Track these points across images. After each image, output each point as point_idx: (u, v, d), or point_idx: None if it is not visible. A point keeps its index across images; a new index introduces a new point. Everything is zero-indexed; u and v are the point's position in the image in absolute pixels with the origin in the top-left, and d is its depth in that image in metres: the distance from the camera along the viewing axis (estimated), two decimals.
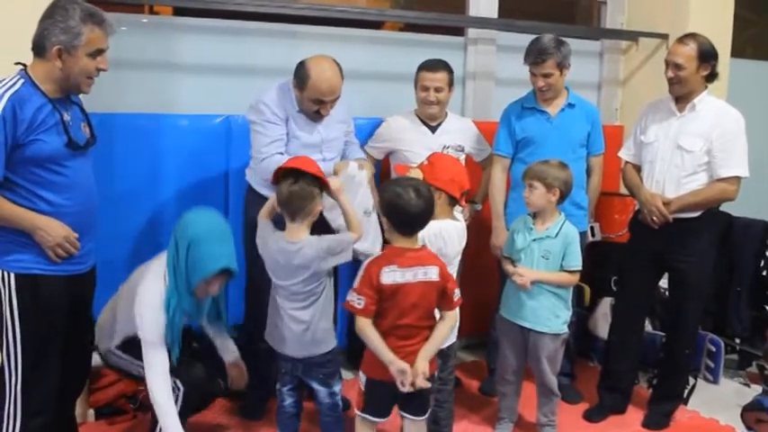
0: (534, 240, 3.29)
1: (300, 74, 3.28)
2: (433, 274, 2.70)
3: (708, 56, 3.44)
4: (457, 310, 2.81)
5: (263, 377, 3.33)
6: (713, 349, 4.20)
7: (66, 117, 2.57)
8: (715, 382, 4.21)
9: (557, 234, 3.27)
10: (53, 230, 2.54)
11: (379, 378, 2.71)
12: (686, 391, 3.91)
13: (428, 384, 2.68)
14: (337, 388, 3.02)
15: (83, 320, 2.84)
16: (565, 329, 3.35)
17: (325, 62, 3.30)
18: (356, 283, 2.68)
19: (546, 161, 3.35)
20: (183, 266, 2.75)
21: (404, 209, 2.65)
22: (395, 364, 2.63)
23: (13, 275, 2.53)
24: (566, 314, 3.34)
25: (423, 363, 2.67)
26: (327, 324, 2.97)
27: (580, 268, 3.30)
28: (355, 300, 2.66)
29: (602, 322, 4.30)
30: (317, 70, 3.25)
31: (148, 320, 2.77)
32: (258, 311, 3.17)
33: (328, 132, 3.46)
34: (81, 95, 2.73)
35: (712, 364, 4.21)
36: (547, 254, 3.26)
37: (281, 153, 3.29)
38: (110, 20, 2.59)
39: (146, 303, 2.79)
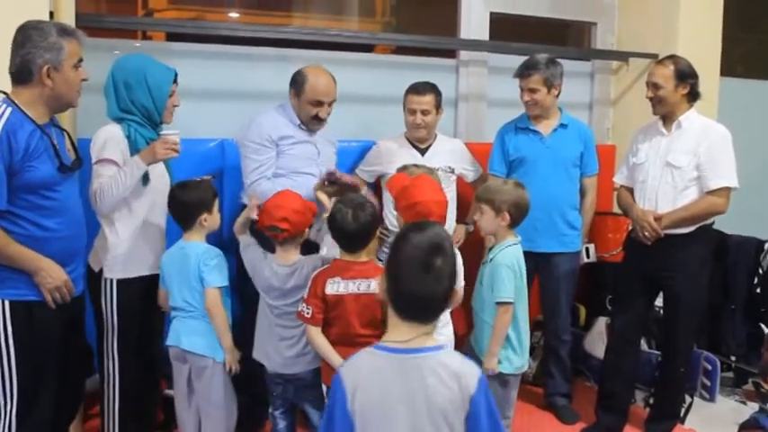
0: (483, 264, 3.21)
1: (297, 79, 3.47)
2: (376, 286, 2.77)
3: (685, 75, 3.51)
4: None
5: (257, 396, 3.30)
6: (709, 367, 4.19)
7: (55, 140, 2.59)
8: (711, 400, 4.19)
9: (491, 259, 3.11)
10: (55, 272, 2.58)
11: None
12: (683, 410, 3.90)
13: None
14: None
15: (75, 346, 2.84)
16: (505, 370, 3.06)
17: (319, 67, 3.52)
18: (305, 294, 2.80)
19: (505, 181, 3.34)
20: (146, 98, 2.98)
21: (339, 226, 2.77)
22: None
23: (7, 303, 2.53)
24: (508, 354, 3.06)
25: None
26: None
27: (506, 300, 3.02)
28: (305, 309, 2.78)
29: (597, 342, 4.30)
30: (314, 73, 3.47)
31: (103, 140, 2.92)
32: (253, 330, 3.15)
33: (323, 148, 3.57)
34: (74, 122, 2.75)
35: (708, 383, 4.20)
36: (482, 278, 3.16)
37: (267, 178, 3.39)
38: (80, 32, 2.66)
39: (101, 132, 2.95)
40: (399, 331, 1.83)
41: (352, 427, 1.79)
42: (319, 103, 3.43)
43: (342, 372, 1.84)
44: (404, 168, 3.35)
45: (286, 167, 3.45)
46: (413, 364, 1.79)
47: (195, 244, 3.01)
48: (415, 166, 3.40)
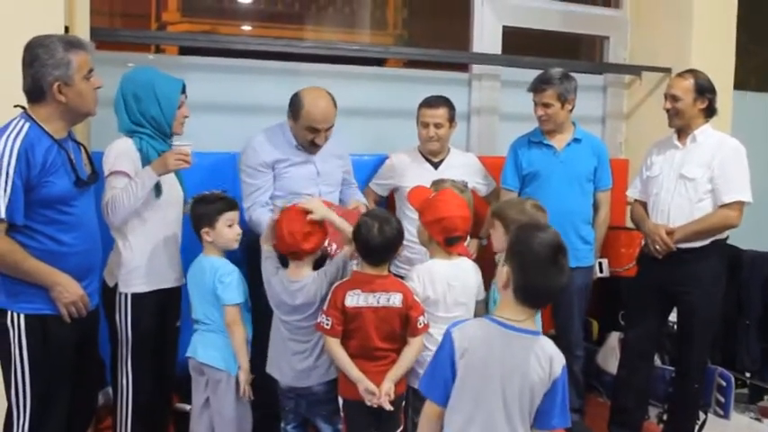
0: (493, 282, 3.05)
1: (294, 104, 3.40)
2: (396, 300, 2.79)
3: (704, 89, 3.52)
4: (421, 337, 2.83)
5: (268, 411, 3.28)
6: (723, 384, 4.14)
7: (72, 155, 2.60)
8: (726, 417, 4.14)
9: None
10: (71, 287, 2.59)
11: (354, 398, 2.80)
12: (697, 427, 3.87)
13: (390, 407, 2.76)
14: (341, 426, 3.00)
15: (88, 360, 2.85)
16: None
17: (318, 91, 3.42)
18: (325, 306, 2.80)
19: (524, 200, 3.29)
20: (155, 110, 2.99)
21: (365, 239, 2.78)
22: (362, 382, 2.76)
23: (23, 317, 2.54)
24: None
25: (388, 384, 2.77)
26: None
27: None
28: (324, 321, 2.79)
29: (610, 357, 4.28)
30: (310, 99, 3.37)
31: (115, 153, 2.94)
32: (265, 344, 3.14)
33: (324, 166, 3.53)
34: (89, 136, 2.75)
35: (723, 399, 4.15)
36: (494, 297, 3.04)
37: (262, 204, 3.40)
38: (87, 41, 2.67)
39: (113, 146, 2.98)
40: (512, 311, 2.13)
41: (454, 377, 2.14)
42: (315, 130, 3.38)
43: (454, 333, 2.16)
44: (441, 182, 3.35)
45: (285, 189, 3.43)
46: (520, 342, 2.12)
47: (210, 259, 3.02)
48: (452, 181, 3.41)
